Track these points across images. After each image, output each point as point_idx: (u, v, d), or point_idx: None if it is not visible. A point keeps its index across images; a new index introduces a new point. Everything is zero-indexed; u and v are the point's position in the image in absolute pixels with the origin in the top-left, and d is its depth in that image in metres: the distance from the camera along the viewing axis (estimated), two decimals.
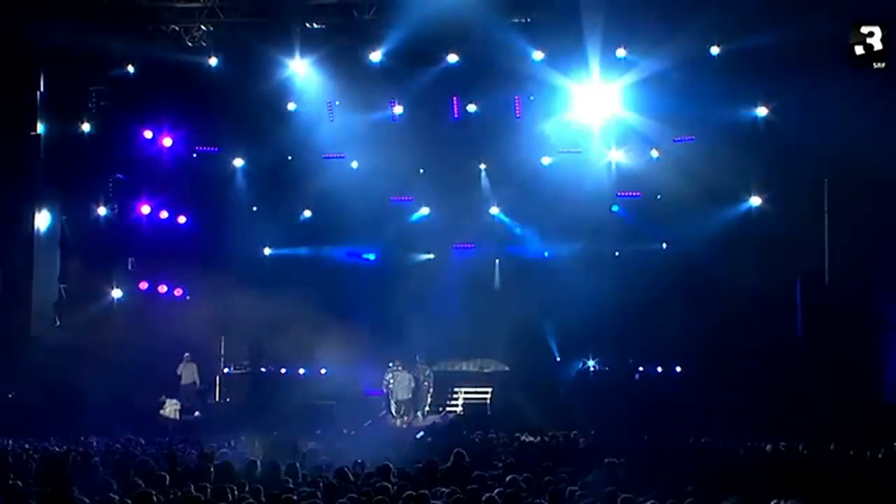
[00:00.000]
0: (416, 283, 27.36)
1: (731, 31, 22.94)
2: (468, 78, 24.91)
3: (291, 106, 25.66)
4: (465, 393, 26.87)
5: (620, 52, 23.84)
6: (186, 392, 25.45)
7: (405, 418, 24.88)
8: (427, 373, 25.67)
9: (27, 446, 16.68)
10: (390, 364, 25.28)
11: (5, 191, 23.67)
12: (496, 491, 10.81)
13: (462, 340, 27.49)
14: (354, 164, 26.71)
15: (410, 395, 25.07)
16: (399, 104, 25.69)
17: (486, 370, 27.93)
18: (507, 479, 11.59)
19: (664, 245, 26.31)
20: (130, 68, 24.29)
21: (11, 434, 18.53)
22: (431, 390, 25.76)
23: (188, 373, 25.52)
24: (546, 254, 27.44)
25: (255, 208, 27.52)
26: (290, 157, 26.84)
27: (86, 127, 24.80)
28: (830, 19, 19.75)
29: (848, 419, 20.14)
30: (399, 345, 26.04)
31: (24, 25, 22.06)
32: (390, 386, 25.05)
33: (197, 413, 25.31)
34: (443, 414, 25.81)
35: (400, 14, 23.29)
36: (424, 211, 27.46)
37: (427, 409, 25.56)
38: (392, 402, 25.02)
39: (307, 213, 27.61)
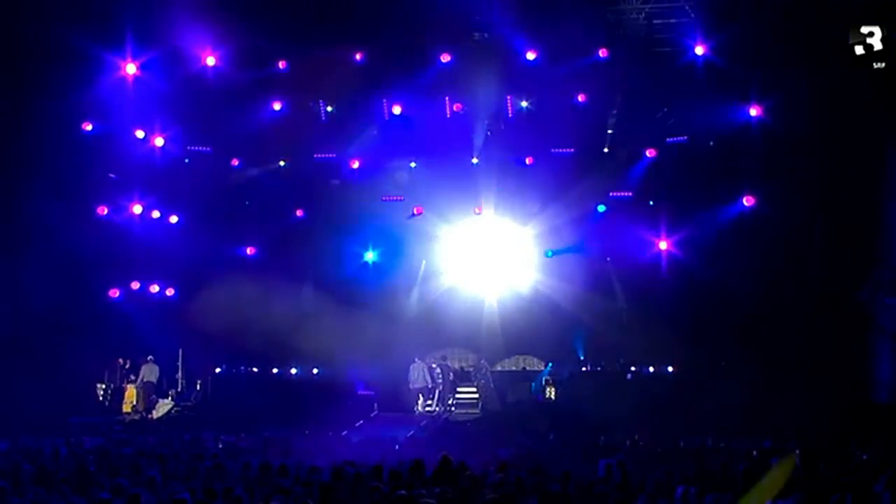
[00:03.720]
0: (409, 282, 27.51)
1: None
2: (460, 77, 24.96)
3: (277, 105, 25.64)
4: (459, 392, 27.00)
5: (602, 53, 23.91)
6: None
7: (421, 406, 26.18)
8: (484, 371, 26.53)
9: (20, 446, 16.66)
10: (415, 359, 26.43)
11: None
12: (487, 490, 10.84)
13: (459, 338, 27.72)
14: (355, 165, 26.73)
15: (426, 385, 26.18)
16: (392, 104, 25.72)
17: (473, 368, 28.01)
18: (498, 478, 11.61)
19: (662, 246, 26.33)
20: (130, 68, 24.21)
21: (7, 433, 18.46)
22: (484, 384, 26.50)
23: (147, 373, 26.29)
24: (549, 254, 27.41)
25: (247, 203, 27.55)
26: (282, 160, 26.86)
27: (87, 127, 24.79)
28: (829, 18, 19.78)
29: (838, 419, 20.19)
30: (394, 343, 26.13)
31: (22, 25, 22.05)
32: (411, 375, 26.24)
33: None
34: (435, 413, 25.89)
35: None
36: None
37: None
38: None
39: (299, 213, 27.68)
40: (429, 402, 26.34)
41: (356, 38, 24.11)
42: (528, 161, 26.24)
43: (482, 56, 24.17)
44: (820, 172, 22.83)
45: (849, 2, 19.47)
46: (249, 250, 27.52)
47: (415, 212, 27.07)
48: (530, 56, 23.98)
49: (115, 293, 25.90)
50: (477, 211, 26.96)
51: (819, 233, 22.89)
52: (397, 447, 18.82)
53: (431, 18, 23.14)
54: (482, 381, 26.38)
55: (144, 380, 26.15)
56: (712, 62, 23.30)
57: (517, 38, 23.80)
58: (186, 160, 26.60)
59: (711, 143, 24.99)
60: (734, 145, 24.25)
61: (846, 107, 21.25)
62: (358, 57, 24.43)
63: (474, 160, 26.44)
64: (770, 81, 23.22)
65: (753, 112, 23.58)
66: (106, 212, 25.87)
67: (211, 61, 24.37)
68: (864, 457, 14.34)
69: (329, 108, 25.87)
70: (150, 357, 26.24)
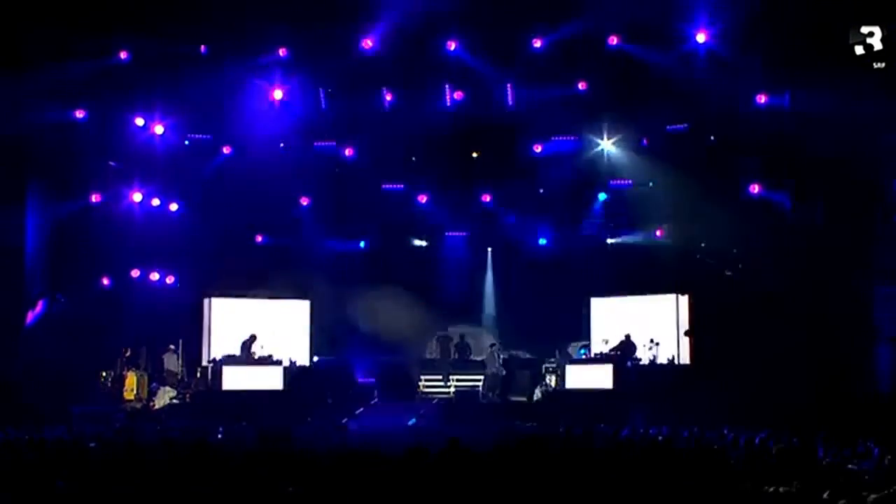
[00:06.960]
0: (405, 268, 27.56)
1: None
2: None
3: (278, 94, 25.57)
4: (458, 379, 26.98)
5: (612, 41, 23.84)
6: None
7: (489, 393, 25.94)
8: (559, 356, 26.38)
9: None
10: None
11: None
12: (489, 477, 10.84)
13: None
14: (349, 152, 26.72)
15: (494, 371, 25.88)
16: (389, 92, 25.68)
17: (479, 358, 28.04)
18: (497, 467, 11.61)
19: (658, 234, 26.33)
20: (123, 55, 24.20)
21: (8, 423, 18.48)
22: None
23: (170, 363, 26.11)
24: (542, 241, 27.44)
25: (247, 197, 27.53)
26: (281, 145, 26.83)
27: (79, 114, 24.77)
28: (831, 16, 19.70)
29: (839, 408, 20.21)
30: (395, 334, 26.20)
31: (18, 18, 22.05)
32: (487, 363, 26.26)
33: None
34: (435, 401, 25.91)
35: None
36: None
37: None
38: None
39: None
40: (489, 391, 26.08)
41: (360, 25, 24.07)
42: (536, 149, 26.23)
43: (484, 44, 24.14)
44: (821, 169, 22.85)
45: (849, 2, 19.42)
46: (258, 238, 27.63)
47: (420, 199, 27.18)
48: (537, 44, 23.99)
49: (105, 281, 25.95)
50: (485, 199, 26.98)
51: (819, 228, 22.90)
52: (399, 433, 18.87)
53: (433, 7, 23.11)
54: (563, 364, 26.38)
55: (166, 368, 26.05)
56: (714, 51, 23.28)
57: (520, 27, 23.77)
58: (186, 143, 26.54)
59: (711, 136, 24.97)
60: (734, 135, 24.23)
61: (846, 106, 21.24)
62: (364, 45, 24.32)
63: (475, 154, 26.50)
64: (770, 77, 23.22)
65: (762, 99, 23.56)
66: (104, 200, 25.89)
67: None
68: (870, 445, 14.35)
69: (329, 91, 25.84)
70: (172, 346, 26.13)
